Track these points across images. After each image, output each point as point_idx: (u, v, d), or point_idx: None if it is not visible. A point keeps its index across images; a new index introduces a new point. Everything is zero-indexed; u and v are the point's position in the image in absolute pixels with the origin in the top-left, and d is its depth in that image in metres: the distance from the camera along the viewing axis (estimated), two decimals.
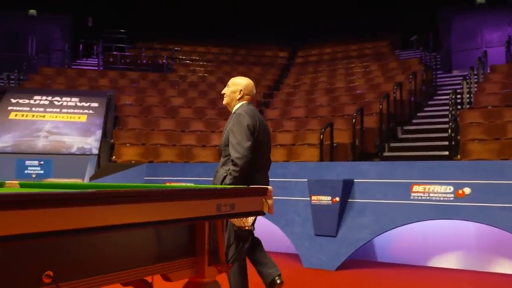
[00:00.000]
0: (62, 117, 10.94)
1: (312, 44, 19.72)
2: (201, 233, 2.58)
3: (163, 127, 11.37)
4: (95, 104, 11.59)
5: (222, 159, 3.74)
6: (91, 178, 8.23)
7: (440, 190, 5.53)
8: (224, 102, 3.88)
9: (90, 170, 8.91)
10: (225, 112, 12.45)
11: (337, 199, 5.90)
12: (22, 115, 10.85)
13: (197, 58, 18.50)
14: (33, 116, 10.88)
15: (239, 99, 3.79)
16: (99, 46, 17.80)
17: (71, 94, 11.99)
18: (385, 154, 9.45)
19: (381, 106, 9.50)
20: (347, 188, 6.00)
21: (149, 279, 2.63)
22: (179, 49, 18.73)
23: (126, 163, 8.82)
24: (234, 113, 3.74)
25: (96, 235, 2.02)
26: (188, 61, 18.08)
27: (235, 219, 2.68)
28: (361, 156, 8.98)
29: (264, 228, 6.66)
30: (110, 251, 2.19)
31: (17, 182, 3.62)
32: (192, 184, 4.77)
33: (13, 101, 11.34)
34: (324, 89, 13.50)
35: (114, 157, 9.74)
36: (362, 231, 5.81)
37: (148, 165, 8.18)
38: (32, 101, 11.42)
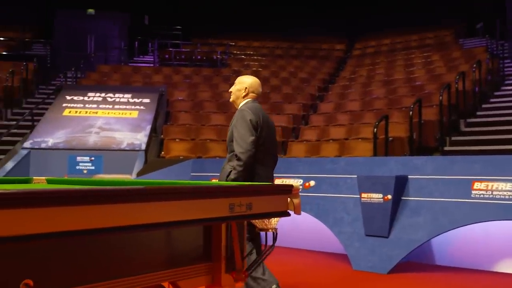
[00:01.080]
0: (114, 113, 11.02)
1: (370, 36, 19.07)
2: (217, 237, 2.30)
3: (213, 122, 11.20)
4: (146, 100, 11.60)
5: (228, 155, 3.76)
6: (138, 174, 8.17)
7: (505, 188, 4.97)
8: (231, 99, 3.99)
9: (138, 166, 8.86)
10: (277, 107, 12.15)
11: (389, 197, 5.45)
12: (76, 112, 11.00)
13: (251, 52, 18.29)
14: (86, 112, 11.01)
15: (244, 96, 3.87)
16: (154, 43, 17.96)
17: (124, 91, 12.09)
18: (446, 148, 8.84)
19: (441, 98, 8.87)
20: (401, 185, 5.54)
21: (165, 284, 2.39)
22: (233, 44, 18.59)
23: (173, 159, 8.69)
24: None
25: (94, 238, 1.86)
26: (242, 56, 17.91)
27: (257, 221, 2.37)
28: (420, 151, 8.43)
29: (311, 227, 6.34)
30: (114, 255, 1.96)
31: (44, 178, 3.58)
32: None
33: (68, 98, 11.55)
34: (381, 81, 12.92)
35: (163, 152, 9.66)
36: (417, 232, 5.34)
37: (194, 161, 7.99)
38: (86, 98, 11.58)
